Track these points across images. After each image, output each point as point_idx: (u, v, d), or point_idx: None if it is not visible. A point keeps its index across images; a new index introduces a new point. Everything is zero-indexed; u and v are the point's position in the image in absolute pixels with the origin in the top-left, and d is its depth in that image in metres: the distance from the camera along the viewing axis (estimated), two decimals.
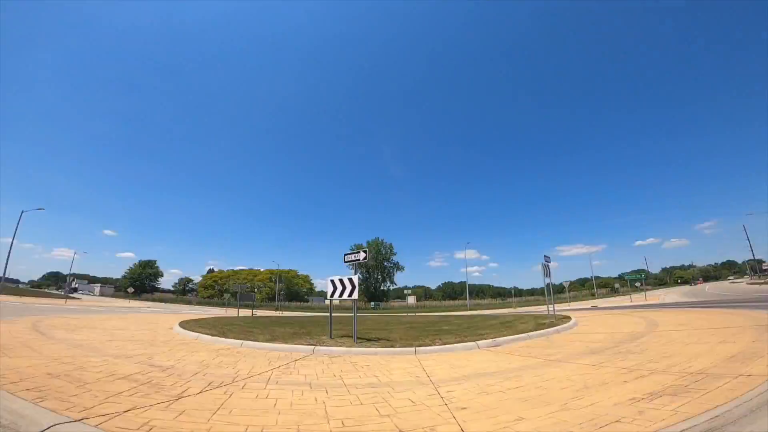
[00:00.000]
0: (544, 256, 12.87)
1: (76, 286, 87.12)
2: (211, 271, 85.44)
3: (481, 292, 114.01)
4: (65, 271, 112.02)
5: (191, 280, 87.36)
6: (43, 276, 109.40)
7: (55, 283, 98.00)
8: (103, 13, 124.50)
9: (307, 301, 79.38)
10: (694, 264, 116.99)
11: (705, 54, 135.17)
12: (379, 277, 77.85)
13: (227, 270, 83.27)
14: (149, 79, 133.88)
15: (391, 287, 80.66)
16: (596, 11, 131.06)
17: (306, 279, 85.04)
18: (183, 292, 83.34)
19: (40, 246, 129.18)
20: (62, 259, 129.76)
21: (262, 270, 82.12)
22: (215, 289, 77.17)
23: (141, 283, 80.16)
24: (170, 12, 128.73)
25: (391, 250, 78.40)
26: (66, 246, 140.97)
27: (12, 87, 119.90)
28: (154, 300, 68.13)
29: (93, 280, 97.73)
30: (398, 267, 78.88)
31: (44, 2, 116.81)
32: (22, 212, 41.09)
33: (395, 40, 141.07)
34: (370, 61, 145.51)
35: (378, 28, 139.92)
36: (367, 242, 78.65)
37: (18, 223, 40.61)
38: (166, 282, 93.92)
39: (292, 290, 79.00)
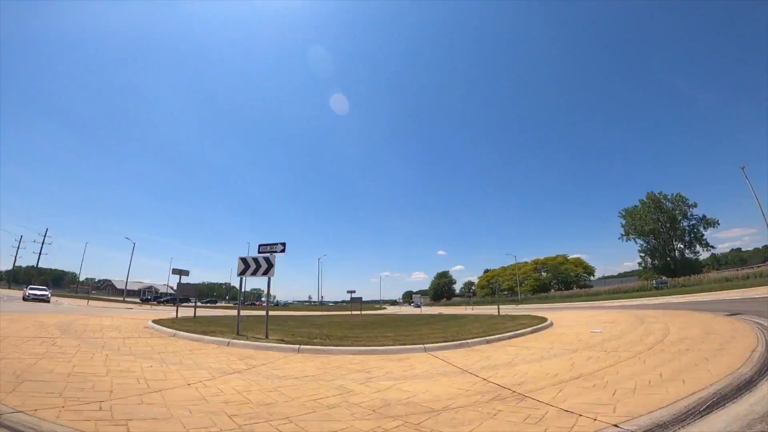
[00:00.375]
0: None
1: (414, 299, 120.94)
2: (486, 271, 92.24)
3: None
4: (415, 290, 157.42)
5: (473, 283, 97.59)
6: (402, 295, 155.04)
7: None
8: None
9: (589, 286, 67.67)
10: None
11: None
12: (676, 243, 54.49)
13: (498, 268, 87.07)
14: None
15: (702, 253, 53.75)
16: None
17: (579, 262, 73.14)
18: (470, 293, 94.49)
19: (403, 273, 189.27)
20: (418, 280, 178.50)
21: (528, 261, 79.53)
22: (490, 287, 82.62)
23: (440, 290, 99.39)
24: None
25: (682, 202, 53.52)
26: (420, 270, 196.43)
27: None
28: (444, 304, 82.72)
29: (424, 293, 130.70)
30: (708, 222, 51.98)
31: None
32: (319, 258, 67.56)
33: None
34: None
35: None
36: (640, 201, 58.18)
37: (320, 267, 66.53)
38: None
39: (560, 278, 70.44)
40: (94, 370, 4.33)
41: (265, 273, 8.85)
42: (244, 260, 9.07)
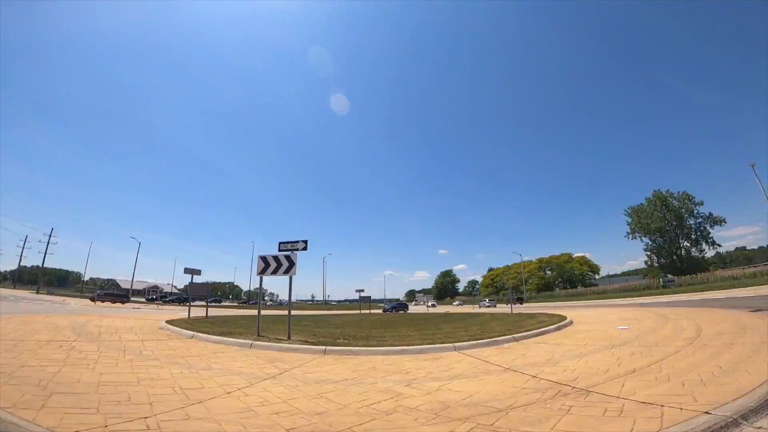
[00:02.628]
0: None
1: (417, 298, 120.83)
2: (490, 270, 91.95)
3: None
4: (418, 289, 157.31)
5: (477, 282, 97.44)
6: (404, 294, 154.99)
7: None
8: None
9: (594, 285, 67.33)
10: None
11: None
12: (682, 241, 54.22)
13: (502, 267, 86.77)
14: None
15: (708, 252, 53.54)
16: None
17: (584, 261, 72.91)
18: (471, 293, 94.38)
19: (406, 272, 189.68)
20: (421, 279, 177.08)
21: (533, 260, 79.18)
22: (494, 286, 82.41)
23: (444, 289, 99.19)
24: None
25: (689, 200, 53.28)
26: (423, 269, 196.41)
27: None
28: (448, 303, 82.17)
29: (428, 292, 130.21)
30: (715, 220, 51.69)
31: None
32: (324, 258, 66.38)
33: None
34: None
35: None
36: (646, 199, 57.89)
37: (324, 266, 65.47)
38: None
39: (565, 276, 70.26)
40: (123, 378, 4.02)
41: (287, 272, 8.56)
42: (264, 259, 8.81)
